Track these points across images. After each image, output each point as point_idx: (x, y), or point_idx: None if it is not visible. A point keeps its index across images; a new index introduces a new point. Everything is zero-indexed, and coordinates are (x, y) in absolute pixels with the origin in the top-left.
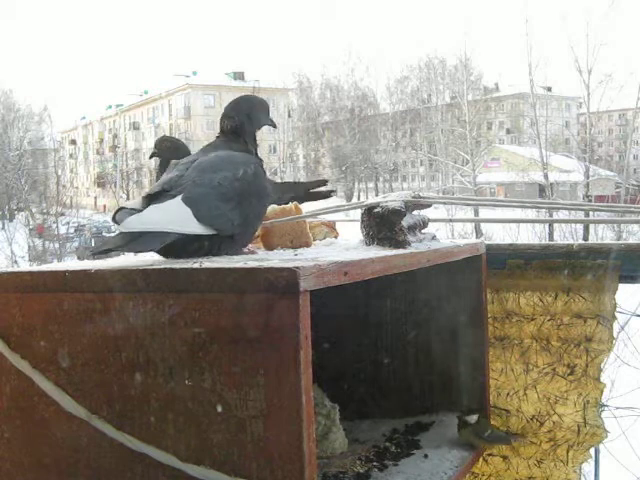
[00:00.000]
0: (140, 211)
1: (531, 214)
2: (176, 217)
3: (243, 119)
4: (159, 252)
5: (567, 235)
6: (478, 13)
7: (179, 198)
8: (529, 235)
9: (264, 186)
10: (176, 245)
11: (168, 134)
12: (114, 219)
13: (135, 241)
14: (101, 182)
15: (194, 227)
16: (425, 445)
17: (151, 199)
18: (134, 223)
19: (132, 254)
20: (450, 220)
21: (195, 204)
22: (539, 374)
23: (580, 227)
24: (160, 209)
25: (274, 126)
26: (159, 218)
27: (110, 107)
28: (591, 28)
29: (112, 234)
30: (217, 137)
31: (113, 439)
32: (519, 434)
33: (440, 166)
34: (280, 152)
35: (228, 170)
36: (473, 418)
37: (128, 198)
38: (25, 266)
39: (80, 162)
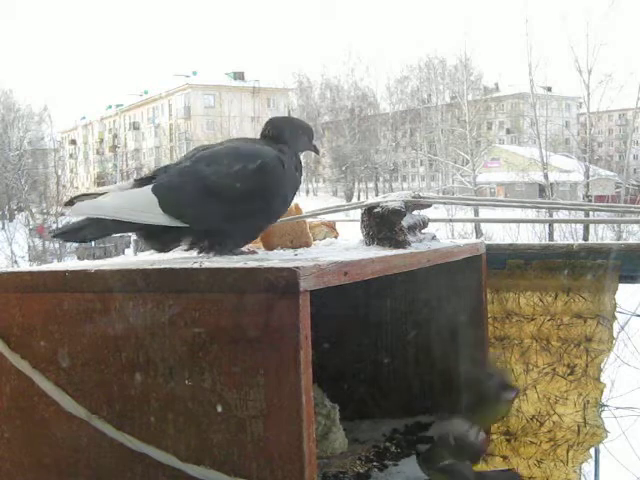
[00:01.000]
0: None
1: (531, 214)
2: (138, 205)
3: (280, 131)
4: (141, 238)
5: (567, 235)
6: (478, 13)
7: (149, 186)
8: (529, 235)
9: (271, 182)
10: (150, 232)
11: (168, 134)
12: (70, 203)
13: (72, 231)
14: (101, 182)
15: (156, 217)
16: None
17: (140, 183)
18: (85, 208)
19: (132, 253)
20: (450, 220)
21: (163, 193)
22: (539, 374)
23: (580, 227)
24: (123, 196)
25: (317, 152)
26: (118, 205)
27: (110, 107)
28: (591, 28)
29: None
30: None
31: (113, 439)
32: None
33: (440, 166)
34: None
35: (223, 164)
36: (423, 446)
37: None
38: (25, 266)
39: (80, 162)
